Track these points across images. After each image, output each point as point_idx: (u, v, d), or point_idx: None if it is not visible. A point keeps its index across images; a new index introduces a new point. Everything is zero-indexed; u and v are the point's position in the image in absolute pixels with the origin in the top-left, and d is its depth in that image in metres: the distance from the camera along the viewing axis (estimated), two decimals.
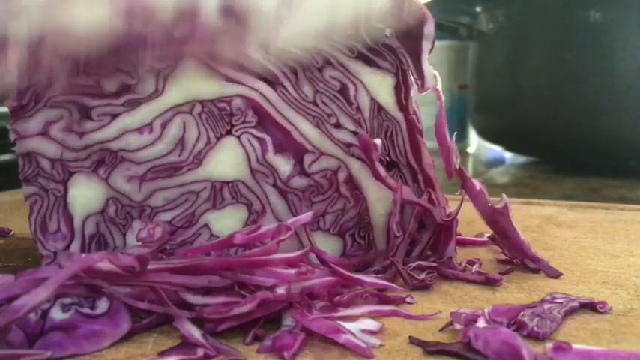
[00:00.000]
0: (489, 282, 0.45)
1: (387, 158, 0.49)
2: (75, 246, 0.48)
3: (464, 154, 1.35)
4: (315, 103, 0.47)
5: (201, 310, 0.37)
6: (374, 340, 0.36)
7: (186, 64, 0.46)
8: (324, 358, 0.34)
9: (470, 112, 1.28)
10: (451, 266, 0.48)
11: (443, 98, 0.48)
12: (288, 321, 0.38)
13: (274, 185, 0.48)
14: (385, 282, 0.44)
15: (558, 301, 0.40)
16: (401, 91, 0.48)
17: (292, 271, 0.39)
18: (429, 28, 0.47)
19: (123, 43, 0.40)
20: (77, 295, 0.38)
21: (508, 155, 1.29)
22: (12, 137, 0.46)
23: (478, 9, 1.16)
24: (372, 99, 0.47)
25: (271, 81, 0.47)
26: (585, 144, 1.02)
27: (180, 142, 0.47)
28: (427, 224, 0.49)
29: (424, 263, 0.48)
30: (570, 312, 0.40)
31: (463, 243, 0.56)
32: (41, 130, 0.46)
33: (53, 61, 0.39)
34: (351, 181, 0.49)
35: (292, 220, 0.46)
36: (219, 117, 0.47)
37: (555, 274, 0.47)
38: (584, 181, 1.01)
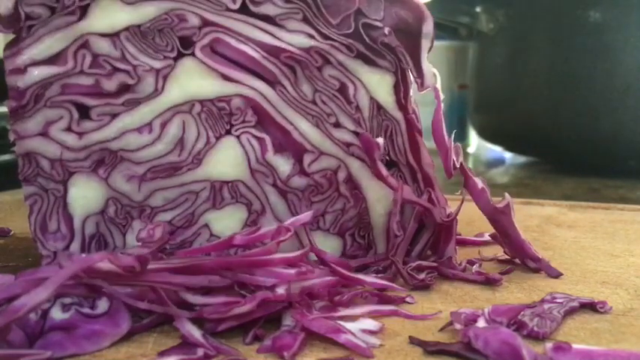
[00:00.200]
0: (489, 282, 0.45)
1: (387, 157, 0.49)
2: (75, 246, 0.48)
3: (464, 154, 1.35)
4: (314, 103, 0.47)
5: (201, 310, 0.37)
6: (374, 340, 0.36)
7: (186, 64, 0.46)
8: None
9: (470, 112, 1.28)
10: (451, 266, 0.48)
11: (442, 97, 0.48)
12: (288, 321, 0.38)
13: (274, 185, 0.48)
14: (385, 282, 0.44)
15: (558, 301, 0.40)
16: (400, 90, 0.48)
17: (292, 271, 0.39)
18: (428, 27, 0.47)
19: None
20: (77, 295, 0.38)
21: (508, 155, 1.29)
22: (11, 137, 0.46)
23: (478, 9, 1.16)
24: (372, 98, 0.47)
25: (270, 80, 0.47)
26: (585, 144, 1.02)
27: (180, 142, 0.47)
28: (427, 224, 0.49)
29: (424, 263, 0.48)
30: (570, 312, 0.40)
31: (463, 243, 0.56)
32: (41, 130, 0.46)
33: None
34: (350, 180, 0.49)
35: (292, 219, 0.46)
36: (219, 116, 0.47)
37: (556, 274, 0.47)
38: (584, 181, 1.01)
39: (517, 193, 0.84)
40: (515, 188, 0.97)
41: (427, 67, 0.47)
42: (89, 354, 0.35)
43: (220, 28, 0.46)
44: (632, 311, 0.40)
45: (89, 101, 0.46)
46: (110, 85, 0.46)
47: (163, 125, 0.46)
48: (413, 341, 0.36)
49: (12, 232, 0.62)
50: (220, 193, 0.48)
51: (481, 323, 0.37)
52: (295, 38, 0.46)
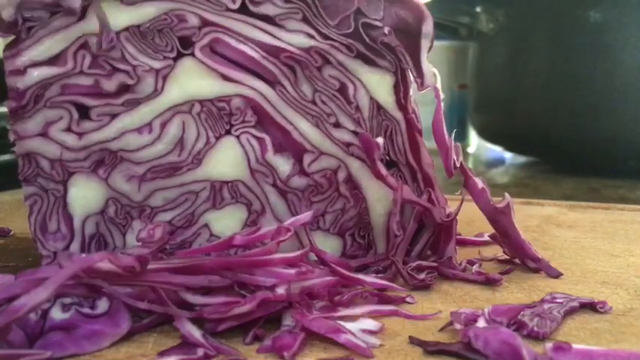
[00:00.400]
0: (489, 282, 0.45)
1: (387, 157, 0.49)
2: (75, 246, 0.48)
3: (464, 154, 1.35)
4: (314, 103, 0.47)
5: (201, 310, 0.37)
6: (374, 340, 0.36)
7: (186, 64, 0.46)
8: None
9: (470, 112, 1.28)
10: (451, 266, 0.48)
11: (442, 97, 0.48)
12: (288, 321, 0.38)
13: (274, 185, 0.48)
14: (385, 282, 0.44)
15: (558, 301, 0.40)
16: (400, 90, 0.48)
17: (292, 271, 0.39)
18: (428, 27, 0.47)
19: None
20: (77, 295, 0.38)
21: (508, 155, 1.29)
22: (11, 138, 0.46)
23: (478, 9, 1.16)
24: (371, 98, 0.47)
25: (270, 80, 0.47)
26: (585, 144, 1.02)
27: (180, 142, 0.47)
28: (427, 224, 0.49)
29: (424, 263, 0.48)
30: (570, 312, 0.40)
31: (463, 243, 0.56)
32: (40, 131, 0.46)
33: None
34: (350, 180, 0.49)
35: (292, 219, 0.46)
36: (219, 116, 0.47)
37: (556, 274, 0.47)
38: (584, 181, 1.01)
39: (517, 193, 0.84)
40: (515, 188, 0.97)
41: (427, 66, 0.47)
42: (89, 354, 0.35)
43: (220, 28, 0.46)
44: (632, 311, 0.40)
45: (89, 101, 0.46)
46: (110, 85, 0.46)
47: (163, 125, 0.46)
48: (413, 341, 0.36)
49: (12, 232, 0.62)
50: (220, 193, 0.48)
51: (481, 323, 0.37)
52: (295, 38, 0.46)
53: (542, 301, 0.41)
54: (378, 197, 0.49)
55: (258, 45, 0.46)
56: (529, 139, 1.11)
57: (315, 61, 0.46)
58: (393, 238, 0.48)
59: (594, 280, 0.47)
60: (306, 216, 0.46)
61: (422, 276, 0.45)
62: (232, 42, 0.46)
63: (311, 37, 0.46)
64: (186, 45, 0.46)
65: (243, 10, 0.46)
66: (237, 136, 0.47)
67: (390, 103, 0.48)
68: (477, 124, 1.25)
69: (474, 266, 0.48)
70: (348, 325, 0.37)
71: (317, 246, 0.47)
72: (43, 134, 0.46)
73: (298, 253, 0.41)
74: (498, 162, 1.28)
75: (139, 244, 0.44)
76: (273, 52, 0.46)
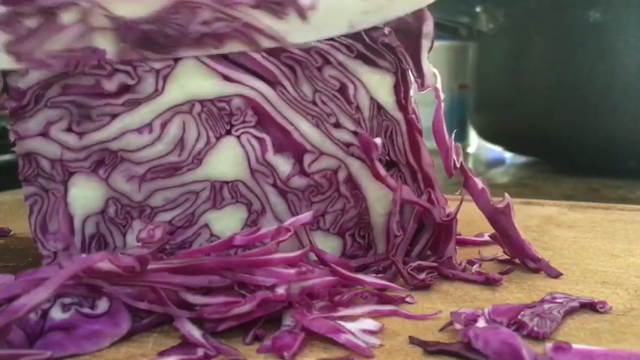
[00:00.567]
0: (489, 282, 0.45)
1: (387, 158, 0.49)
2: (75, 246, 0.47)
3: (464, 154, 1.35)
4: (314, 103, 0.47)
5: (201, 310, 0.37)
6: (374, 340, 0.36)
7: (186, 64, 0.46)
8: None
9: (470, 112, 1.28)
10: (451, 266, 0.48)
11: (442, 97, 0.48)
12: (288, 321, 0.38)
13: (274, 185, 0.48)
14: (385, 282, 0.44)
15: (558, 301, 0.40)
16: (400, 90, 0.48)
17: (292, 270, 0.39)
18: (428, 27, 0.47)
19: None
20: (77, 295, 0.38)
21: (508, 155, 1.29)
22: (12, 137, 0.46)
23: (478, 9, 1.16)
24: (372, 98, 0.47)
25: (271, 80, 0.47)
26: (585, 144, 1.02)
27: (180, 142, 0.47)
28: (427, 224, 0.49)
29: (424, 263, 0.48)
30: (570, 312, 0.40)
31: (463, 243, 0.56)
32: (41, 131, 0.46)
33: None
34: (350, 180, 0.49)
35: (292, 219, 0.46)
36: (219, 117, 0.47)
37: (556, 274, 0.47)
38: (584, 181, 1.01)
39: (517, 193, 0.84)
40: (515, 188, 0.97)
41: (427, 67, 0.47)
42: (89, 354, 0.35)
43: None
44: (632, 311, 0.40)
45: (90, 101, 0.46)
46: (110, 85, 0.46)
47: (163, 125, 0.46)
48: (413, 341, 0.36)
49: (12, 232, 0.62)
50: (220, 193, 0.48)
51: (481, 323, 0.37)
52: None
53: (542, 301, 0.41)
54: (378, 197, 0.49)
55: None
56: (529, 139, 1.11)
57: (315, 61, 0.46)
58: (393, 238, 0.48)
59: (594, 280, 0.47)
60: (306, 216, 0.46)
61: (422, 276, 0.45)
62: None
63: None
64: None
65: None
66: (238, 136, 0.47)
67: (390, 103, 0.48)
68: (477, 124, 1.25)
69: (474, 266, 0.48)
70: (348, 325, 0.37)
71: (317, 246, 0.47)
72: (44, 134, 0.46)
73: (298, 253, 0.41)
74: (498, 162, 1.28)
75: (139, 244, 0.44)
76: (273, 52, 0.46)
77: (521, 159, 1.25)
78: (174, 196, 0.48)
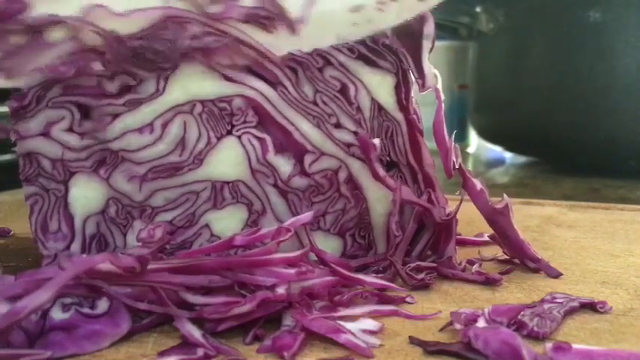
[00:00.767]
0: (489, 282, 0.45)
1: (387, 158, 0.49)
2: (75, 246, 0.48)
3: (464, 154, 1.35)
4: (315, 103, 0.47)
5: (201, 310, 0.37)
6: (374, 340, 0.36)
7: (188, 65, 0.46)
8: None
9: (470, 112, 1.28)
10: (451, 266, 0.48)
11: (443, 97, 0.48)
12: (288, 321, 0.38)
13: (275, 185, 0.48)
14: (385, 282, 0.44)
15: (558, 301, 0.40)
16: (401, 91, 0.48)
17: (292, 270, 0.39)
18: (429, 28, 0.47)
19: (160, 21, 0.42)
20: (77, 295, 0.38)
21: (508, 155, 1.29)
22: (12, 137, 0.46)
23: (478, 9, 1.16)
24: (373, 99, 0.48)
25: (271, 81, 0.47)
26: (585, 144, 1.02)
27: (181, 142, 0.47)
28: (427, 224, 0.49)
29: (423, 264, 0.48)
30: (570, 312, 0.40)
31: (463, 243, 0.56)
32: (42, 131, 0.46)
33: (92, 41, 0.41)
34: (351, 180, 0.49)
35: (292, 219, 0.46)
36: (220, 117, 0.47)
37: (555, 274, 0.47)
38: (584, 181, 1.01)
39: (517, 193, 0.84)
40: (515, 188, 0.97)
41: (428, 67, 0.47)
42: (89, 354, 0.35)
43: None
44: (632, 311, 0.40)
45: (91, 102, 0.46)
46: (112, 86, 0.46)
47: (164, 125, 0.47)
48: (413, 341, 0.36)
49: (12, 232, 0.62)
50: (221, 193, 0.48)
51: (481, 323, 0.37)
52: None
53: (542, 301, 0.41)
54: (378, 197, 0.49)
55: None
56: (529, 139, 1.11)
57: (316, 62, 0.46)
58: (392, 239, 0.48)
59: (594, 280, 0.47)
60: (306, 216, 0.46)
61: (421, 276, 0.45)
62: None
63: None
64: None
65: None
66: (239, 137, 0.47)
67: (390, 104, 0.48)
68: (477, 124, 1.25)
69: (474, 266, 0.48)
70: (348, 325, 0.37)
71: (317, 246, 0.47)
72: (45, 134, 0.46)
73: (298, 253, 0.41)
74: (498, 162, 1.28)
75: (140, 244, 0.44)
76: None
77: (521, 159, 1.25)
78: (175, 196, 0.48)
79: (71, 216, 0.47)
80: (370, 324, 0.38)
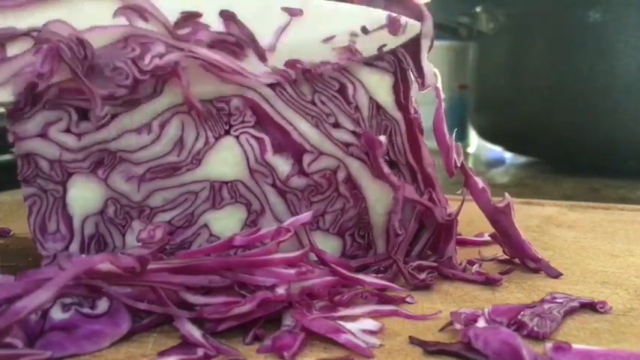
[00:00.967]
0: (489, 282, 0.45)
1: (386, 157, 0.49)
2: (74, 246, 0.47)
3: (464, 154, 1.35)
4: (313, 103, 0.47)
5: (201, 310, 0.37)
6: (374, 340, 0.36)
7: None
8: None
9: (470, 112, 1.28)
10: (451, 266, 0.48)
11: (443, 96, 0.48)
12: (288, 321, 0.38)
13: (273, 185, 0.48)
14: (385, 282, 0.44)
15: (558, 301, 0.40)
16: (400, 90, 0.48)
17: (292, 270, 0.39)
18: (428, 26, 0.47)
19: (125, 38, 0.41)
20: (77, 295, 0.38)
21: (508, 155, 1.29)
22: (10, 138, 0.46)
23: (478, 9, 1.16)
24: (371, 98, 0.47)
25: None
26: (585, 144, 1.02)
27: (179, 142, 0.47)
28: (427, 224, 0.49)
29: (424, 263, 0.48)
30: (570, 312, 0.40)
31: (463, 243, 0.56)
32: (40, 132, 0.46)
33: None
34: (350, 180, 0.49)
35: (292, 219, 0.46)
36: (218, 117, 0.47)
37: (555, 274, 0.47)
38: (584, 181, 1.01)
39: (517, 193, 0.84)
40: (515, 188, 0.97)
41: (428, 66, 0.47)
42: (89, 354, 0.35)
43: None
44: (632, 311, 0.40)
45: (88, 104, 0.46)
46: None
47: (162, 126, 0.46)
48: (413, 341, 0.36)
49: (12, 233, 0.62)
50: (220, 193, 0.48)
51: (481, 323, 0.37)
52: None
53: (542, 301, 0.41)
54: (377, 197, 0.49)
55: None
56: (529, 139, 1.11)
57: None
58: (393, 238, 0.48)
59: (594, 280, 0.47)
60: (305, 216, 0.46)
61: (422, 276, 0.45)
62: None
63: None
64: None
65: None
66: (237, 137, 0.47)
67: (389, 103, 0.48)
68: (477, 124, 1.25)
69: (474, 266, 0.48)
70: (348, 325, 0.37)
71: (317, 246, 0.47)
72: (43, 135, 0.46)
73: (298, 253, 0.41)
74: (498, 162, 1.28)
75: (139, 244, 0.44)
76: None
77: (521, 159, 1.25)
78: (174, 196, 0.48)
79: (70, 216, 0.47)
80: (370, 324, 0.38)
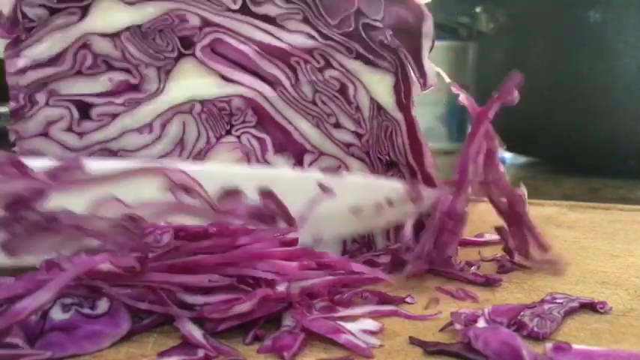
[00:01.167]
0: (489, 282, 0.45)
1: (387, 157, 0.49)
2: None
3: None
4: (314, 103, 0.47)
5: (202, 310, 0.37)
6: (374, 341, 0.36)
7: (186, 64, 0.46)
8: None
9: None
10: (450, 266, 0.48)
11: (445, 97, 0.48)
12: (288, 321, 0.38)
13: None
14: (382, 275, 0.44)
15: (558, 301, 0.40)
16: (400, 90, 0.48)
17: (294, 263, 0.39)
18: (428, 26, 0.47)
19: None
20: (77, 295, 0.38)
21: (508, 155, 1.29)
22: (12, 137, 0.46)
23: (478, 9, 1.16)
24: (372, 98, 0.47)
25: (271, 80, 0.47)
26: (585, 144, 1.02)
27: (180, 142, 0.47)
28: (428, 223, 0.49)
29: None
30: (570, 312, 0.40)
31: (463, 243, 0.56)
32: (41, 131, 0.46)
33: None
34: None
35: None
36: (219, 117, 0.47)
37: (560, 269, 0.47)
38: (584, 181, 1.01)
39: None
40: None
41: (429, 66, 0.47)
42: (89, 354, 0.35)
43: (221, 29, 0.46)
44: (632, 311, 0.40)
45: (93, 100, 0.46)
46: (112, 84, 0.45)
47: (164, 125, 0.47)
48: (413, 341, 0.36)
49: None
50: None
51: (481, 323, 0.37)
52: (296, 38, 0.46)
53: (542, 301, 0.41)
54: None
55: (259, 45, 0.46)
56: (529, 139, 1.11)
57: (317, 62, 0.46)
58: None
59: (594, 280, 0.47)
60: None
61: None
62: (233, 42, 0.46)
63: (312, 37, 0.46)
64: (187, 45, 0.46)
65: (244, 10, 0.46)
66: (238, 137, 0.47)
67: (390, 103, 0.48)
68: None
69: (472, 268, 0.48)
70: (348, 326, 0.37)
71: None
72: (44, 134, 0.46)
73: (299, 247, 0.41)
74: None
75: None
76: (273, 52, 0.46)
77: (521, 159, 1.25)
78: None
79: None
80: (370, 324, 0.38)
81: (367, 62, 0.47)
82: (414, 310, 0.41)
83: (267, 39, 0.46)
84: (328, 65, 0.46)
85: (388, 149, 0.48)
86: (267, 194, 0.44)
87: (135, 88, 0.46)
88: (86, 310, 0.37)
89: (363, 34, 0.46)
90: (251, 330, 0.37)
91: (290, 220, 0.45)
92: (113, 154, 0.47)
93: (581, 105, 1.01)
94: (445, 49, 1.34)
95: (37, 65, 0.45)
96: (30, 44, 0.45)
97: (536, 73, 1.07)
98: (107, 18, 0.45)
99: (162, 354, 0.34)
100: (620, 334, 0.37)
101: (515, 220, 0.49)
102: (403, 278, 0.45)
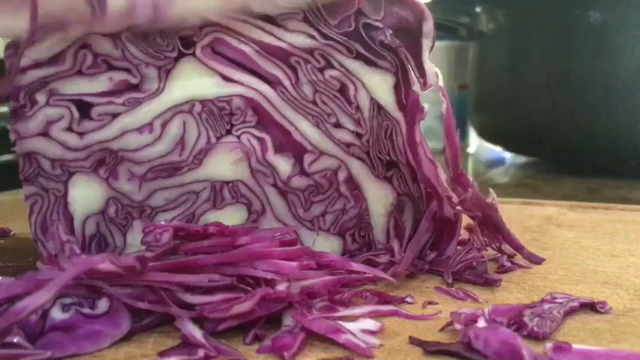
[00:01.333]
0: (489, 283, 0.45)
1: (387, 157, 0.49)
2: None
3: (464, 154, 1.35)
4: (314, 103, 0.47)
5: (202, 309, 0.37)
6: (374, 340, 0.36)
7: (187, 64, 0.46)
8: None
9: (470, 112, 1.28)
10: (450, 266, 0.48)
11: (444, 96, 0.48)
12: (288, 321, 0.38)
13: (274, 185, 0.48)
14: (382, 275, 0.44)
15: (558, 301, 0.40)
16: (401, 90, 0.48)
17: (294, 263, 0.39)
18: (428, 26, 0.47)
19: None
20: (78, 295, 0.38)
21: (508, 155, 1.29)
22: (12, 137, 0.46)
23: (478, 9, 1.16)
24: (372, 98, 0.47)
25: (271, 80, 0.47)
26: (585, 144, 1.02)
27: (181, 142, 0.47)
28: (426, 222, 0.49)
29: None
30: (570, 312, 0.40)
31: (463, 243, 0.56)
32: (41, 130, 0.46)
33: None
34: (351, 180, 0.49)
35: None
36: (219, 116, 0.47)
37: (538, 261, 0.49)
38: (584, 181, 1.01)
39: (517, 193, 0.84)
40: (515, 188, 0.97)
41: (429, 66, 0.47)
42: (89, 354, 0.35)
43: (221, 28, 0.46)
44: (632, 311, 0.40)
45: (93, 99, 0.46)
46: (112, 83, 0.46)
47: (164, 125, 0.47)
48: (413, 341, 0.36)
49: (12, 233, 0.62)
50: (221, 193, 0.48)
51: (481, 323, 0.37)
52: (296, 38, 0.46)
53: (542, 301, 0.41)
54: (378, 197, 0.49)
55: (259, 45, 0.46)
56: (529, 139, 1.10)
57: (317, 62, 0.46)
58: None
59: (594, 280, 0.47)
60: None
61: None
62: (233, 42, 0.46)
63: (312, 37, 0.46)
64: (187, 45, 0.46)
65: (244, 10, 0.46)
66: (238, 136, 0.47)
67: (390, 103, 0.48)
68: (477, 124, 1.25)
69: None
70: (348, 325, 0.37)
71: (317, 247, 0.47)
72: (44, 134, 0.46)
73: (299, 246, 0.41)
74: (498, 162, 1.28)
75: (144, 247, 0.44)
76: (274, 52, 0.46)
77: (521, 159, 1.25)
78: (175, 196, 0.48)
79: (71, 216, 0.47)
80: (370, 324, 0.38)
81: (367, 62, 0.47)
82: (414, 310, 0.41)
83: (267, 39, 0.46)
84: (328, 65, 0.47)
85: (388, 149, 0.48)
86: None
87: (135, 87, 0.46)
88: (86, 310, 0.37)
89: (364, 34, 0.46)
90: (251, 330, 0.37)
91: None
92: (114, 154, 0.47)
93: (581, 105, 1.00)
94: (445, 49, 1.34)
95: (38, 65, 0.45)
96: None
97: (536, 73, 1.07)
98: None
99: (162, 354, 0.35)
100: (620, 334, 0.37)
101: (488, 224, 0.50)
102: (402, 278, 0.45)
